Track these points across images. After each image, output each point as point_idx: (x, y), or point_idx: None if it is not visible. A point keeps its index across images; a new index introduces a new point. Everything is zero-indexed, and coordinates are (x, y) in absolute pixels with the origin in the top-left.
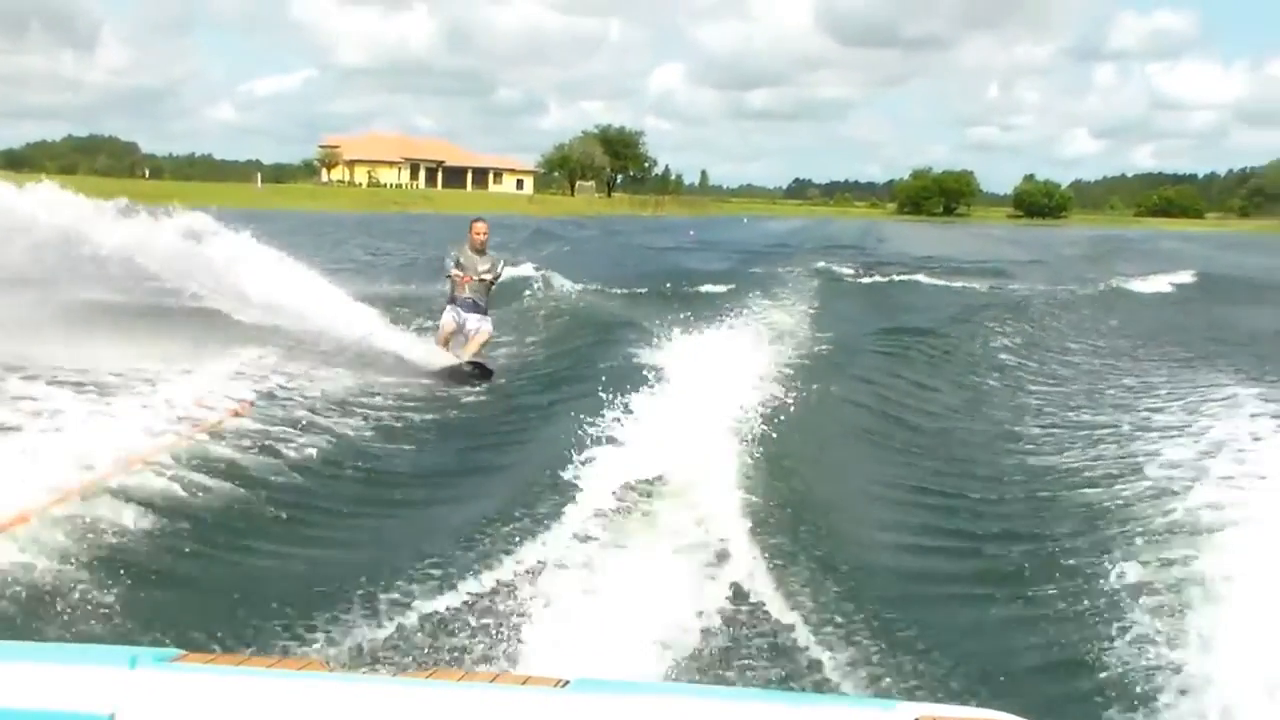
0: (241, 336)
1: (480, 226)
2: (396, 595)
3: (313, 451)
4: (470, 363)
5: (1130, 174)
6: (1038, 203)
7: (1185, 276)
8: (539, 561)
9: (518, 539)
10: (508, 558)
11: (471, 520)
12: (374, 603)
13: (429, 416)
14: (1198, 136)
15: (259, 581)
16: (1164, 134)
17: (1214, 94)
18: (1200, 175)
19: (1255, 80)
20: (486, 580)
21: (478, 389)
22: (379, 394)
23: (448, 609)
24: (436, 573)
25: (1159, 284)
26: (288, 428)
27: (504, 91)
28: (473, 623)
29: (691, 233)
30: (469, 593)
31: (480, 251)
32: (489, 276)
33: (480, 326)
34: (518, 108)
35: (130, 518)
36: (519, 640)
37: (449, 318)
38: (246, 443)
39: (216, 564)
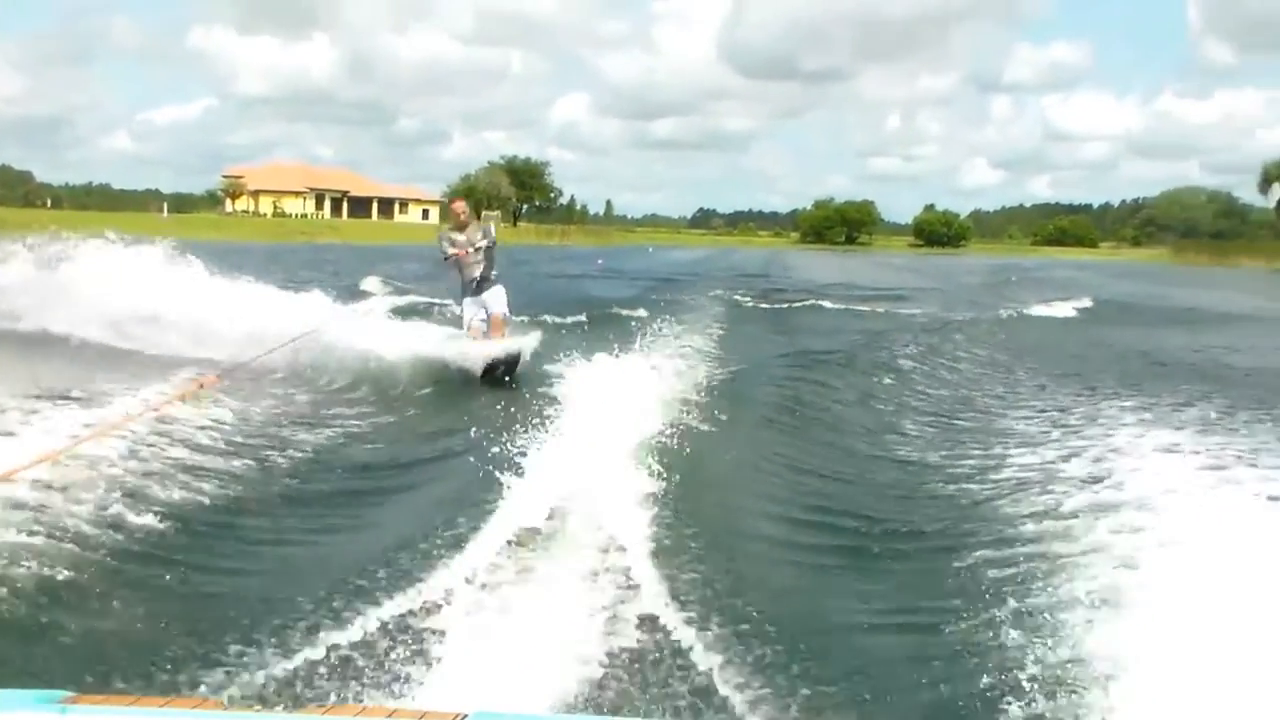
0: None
1: (459, 204)
2: (295, 629)
3: (207, 484)
4: (500, 361)
5: (1028, 204)
6: (937, 232)
7: (1081, 302)
8: (441, 593)
9: (419, 570)
10: (410, 589)
11: (372, 552)
12: (272, 637)
13: (329, 445)
14: (1092, 167)
15: (153, 617)
16: (1060, 165)
17: (1107, 126)
18: (1095, 205)
19: (1147, 113)
20: (387, 613)
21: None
22: (274, 423)
23: (348, 642)
24: (337, 605)
25: (1056, 309)
26: (182, 457)
27: (406, 121)
28: (373, 656)
29: (600, 261)
30: (370, 626)
31: (464, 226)
32: (484, 243)
33: (497, 308)
34: (420, 137)
35: (11, 549)
36: (419, 674)
37: (471, 312)
38: (137, 473)
39: (108, 599)
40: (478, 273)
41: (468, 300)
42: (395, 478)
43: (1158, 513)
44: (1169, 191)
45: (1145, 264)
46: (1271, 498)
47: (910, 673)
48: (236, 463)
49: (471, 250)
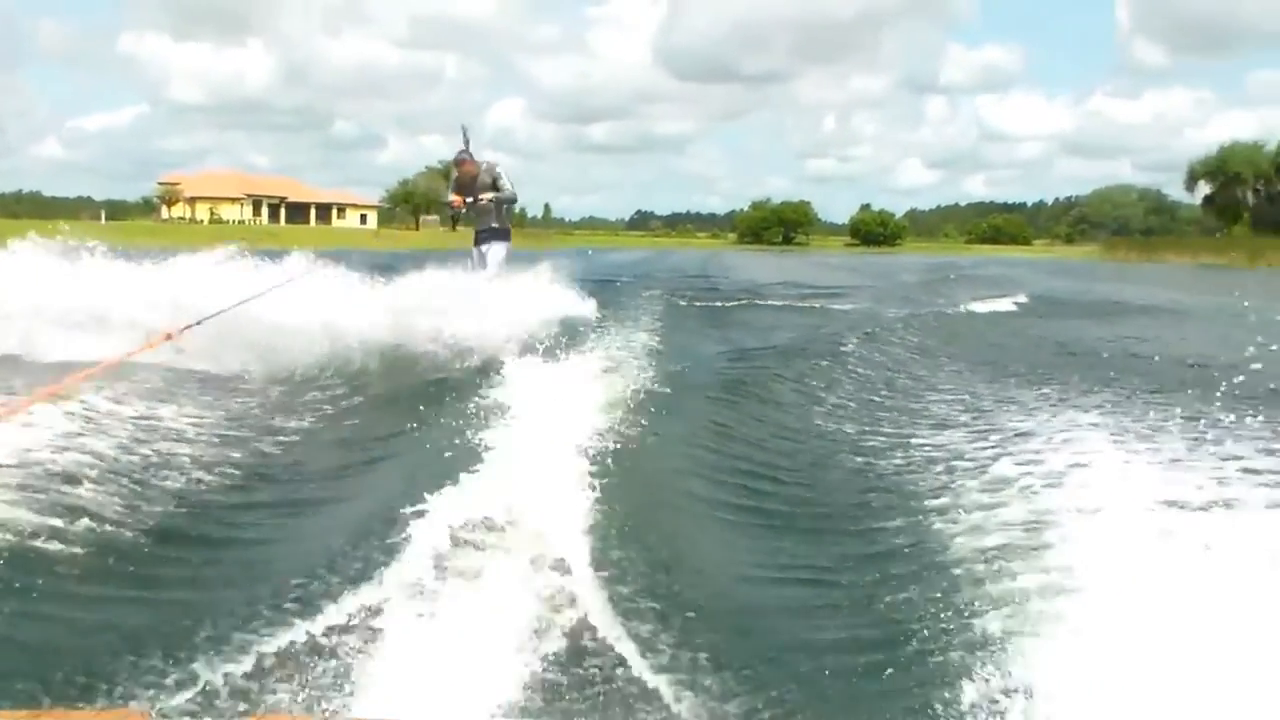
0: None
1: (467, 166)
2: (226, 638)
3: (136, 487)
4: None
5: (963, 203)
6: (873, 231)
7: (1017, 298)
8: (375, 601)
9: (354, 577)
10: (343, 598)
11: (304, 560)
12: (202, 647)
13: (260, 451)
14: (1026, 166)
15: (77, 629)
16: (994, 164)
17: (1040, 126)
18: (1029, 204)
19: (1079, 113)
20: (320, 621)
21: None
22: (204, 426)
23: (279, 651)
24: (268, 613)
25: (994, 305)
26: (98, 465)
27: (341, 126)
28: (305, 665)
29: (589, 251)
30: (302, 635)
31: (472, 178)
32: (488, 195)
33: (493, 251)
34: (355, 142)
35: None
36: (353, 682)
37: (473, 255)
38: (59, 483)
39: (30, 612)
40: (485, 229)
41: (476, 249)
42: (331, 489)
43: (1069, 489)
44: (1100, 190)
45: (1077, 260)
46: (1160, 464)
47: (849, 663)
48: (159, 464)
49: (466, 199)
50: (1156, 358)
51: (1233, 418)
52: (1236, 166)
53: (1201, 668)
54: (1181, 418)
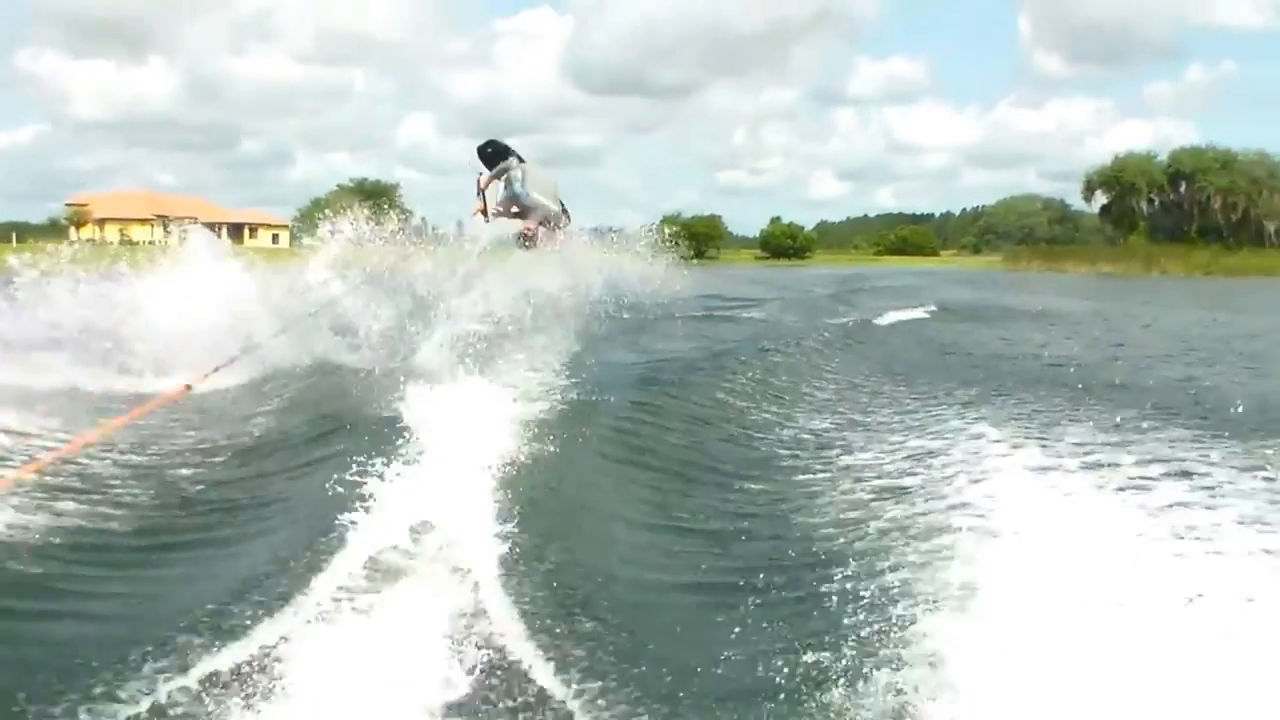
0: None
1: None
2: (137, 670)
3: (34, 518)
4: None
5: (872, 214)
6: (783, 244)
7: (926, 308)
8: (289, 626)
9: (265, 606)
10: (255, 626)
11: (214, 591)
12: (108, 681)
13: (165, 480)
14: (934, 177)
15: None
16: (903, 175)
17: (947, 137)
18: (937, 214)
19: (984, 124)
20: (233, 651)
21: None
22: (106, 458)
23: (196, 681)
24: (181, 640)
25: (900, 315)
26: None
27: (248, 144)
28: (219, 695)
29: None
30: (214, 665)
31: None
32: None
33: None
34: (264, 160)
35: None
36: (269, 708)
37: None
38: None
39: None
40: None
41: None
42: (239, 517)
43: (966, 493)
44: (1005, 200)
45: (980, 270)
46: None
47: (755, 666)
48: (64, 495)
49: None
50: (1050, 363)
51: (1119, 418)
52: (1131, 177)
53: (1089, 658)
54: (1074, 419)
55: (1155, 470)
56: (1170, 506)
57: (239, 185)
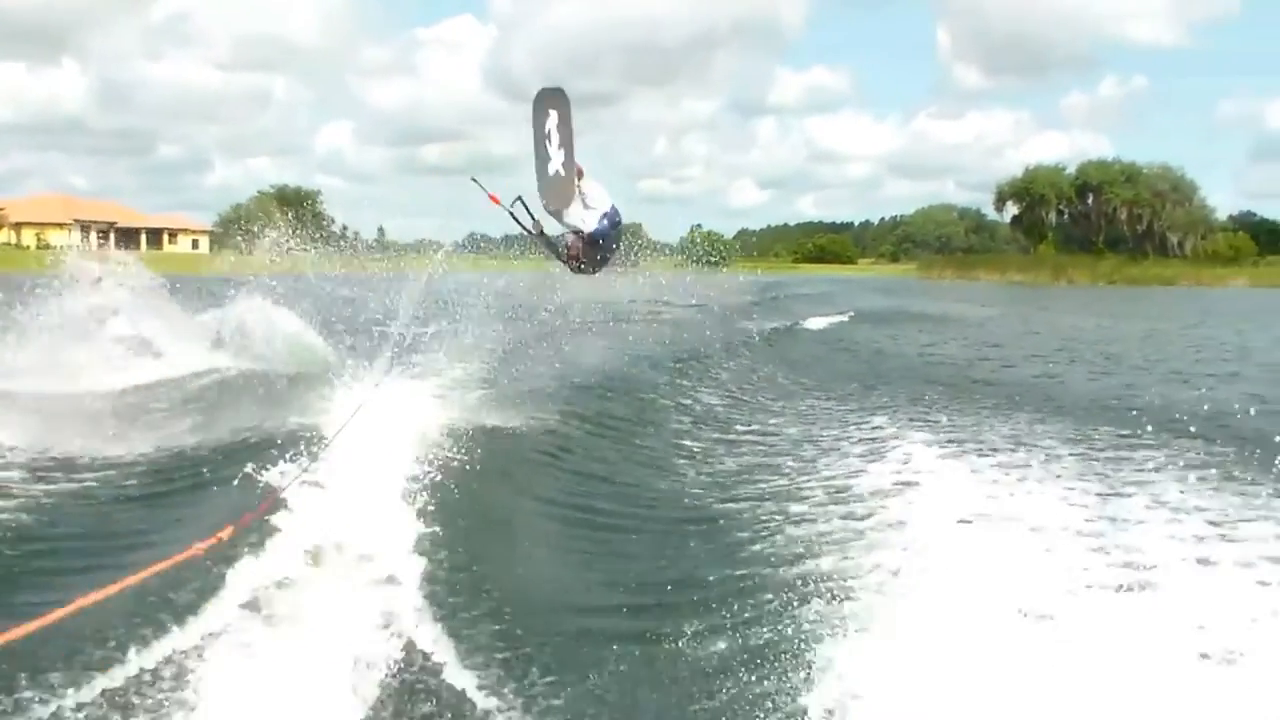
0: None
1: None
2: (54, 672)
3: None
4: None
5: (793, 223)
6: (702, 252)
7: (838, 316)
8: (204, 633)
9: (181, 610)
10: (169, 635)
11: (130, 599)
12: (35, 686)
13: (77, 490)
14: (855, 186)
15: None
16: (824, 184)
17: (868, 146)
18: (857, 223)
19: (905, 134)
20: (148, 659)
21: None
22: (13, 469)
23: (104, 692)
24: (86, 653)
25: (819, 322)
26: None
27: (166, 149)
28: (136, 703)
29: (380, 285)
30: (129, 675)
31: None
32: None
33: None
34: (181, 165)
35: None
36: (184, 713)
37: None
38: None
39: None
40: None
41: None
42: (152, 525)
43: (882, 497)
44: (923, 209)
45: (896, 278)
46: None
47: (674, 683)
48: None
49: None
50: (932, 361)
51: (977, 409)
52: (1040, 188)
53: (1007, 661)
54: (941, 409)
55: (987, 441)
56: (998, 482)
57: (157, 190)
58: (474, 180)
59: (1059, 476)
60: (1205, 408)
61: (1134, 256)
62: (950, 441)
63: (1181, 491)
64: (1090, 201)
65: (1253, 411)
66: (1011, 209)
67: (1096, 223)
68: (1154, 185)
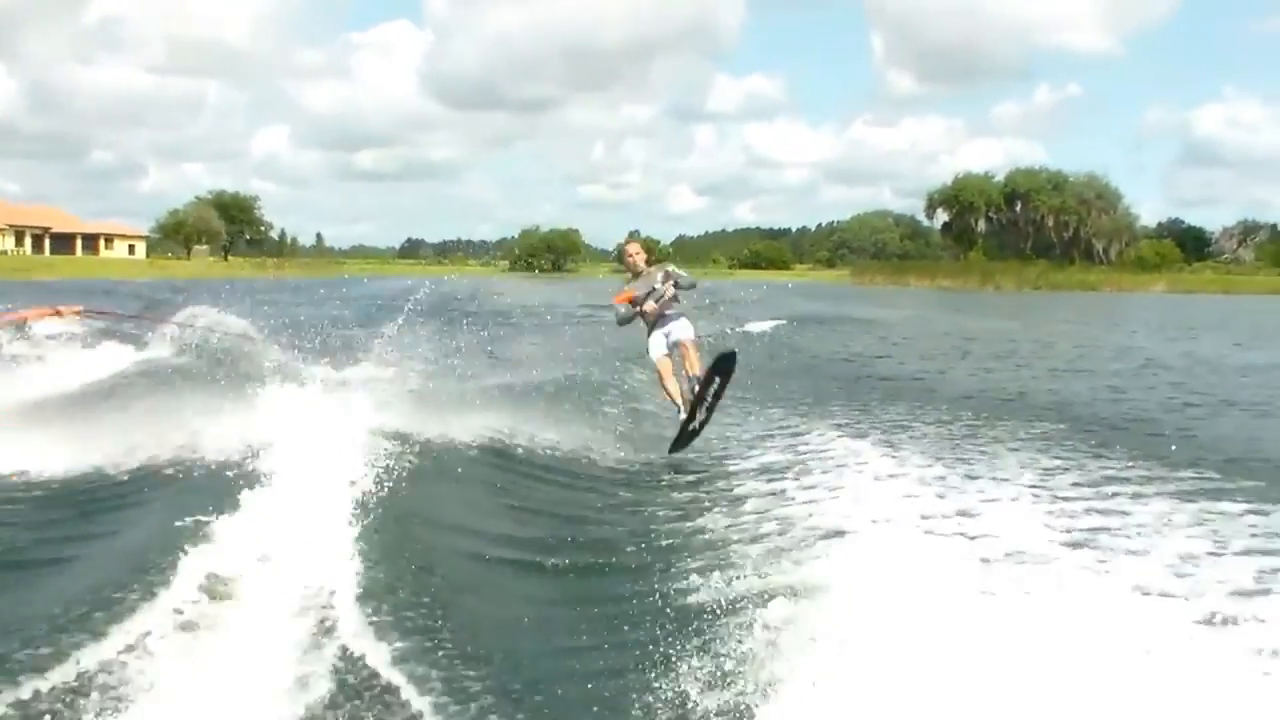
0: None
1: (632, 248)
2: None
3: None
4: (693, 409)
5: (730, 229)
6: None
7: (777, 320)
8: (131, 644)
9: (108, 620)
10: (95, 645)
11: (49, 611)
12: None
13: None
14: (792, 193)
15: None
16: (761, 190)
17: (805, 153)
18: (794, 229)
19: (841, 141)
20: (70, 672)
21: None
22: None
23: (15, 704)
24: (22, 659)
25: (756, 327)
26: None
27: (99, 154)
28: (58, 713)
29: (321, 290)
30: (61, 678)
31: (639, 274)
32: (671, 290)
33: (686, 334)
34: (115, 171)
35: None
36: None
37: (657, 346)
38: None
39: None
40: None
41: (654, 334)
42: (76, 533)
43: (814, 508)
44: (859, 216)
45: (829, 284)
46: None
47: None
48: None
49: (656, 303)
50: (845, 358)
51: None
52: (969, 196)
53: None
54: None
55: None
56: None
57: (90, 196)
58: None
59: (923, 454)
60: (1056, 398)
61: (1061, 263)
62: (845, 425)
63: (1021, 465)
64: (1019, 209)
65: (1102, 400)
66: (942, 216)
67: (1025, 230)
68: (1080, 193)
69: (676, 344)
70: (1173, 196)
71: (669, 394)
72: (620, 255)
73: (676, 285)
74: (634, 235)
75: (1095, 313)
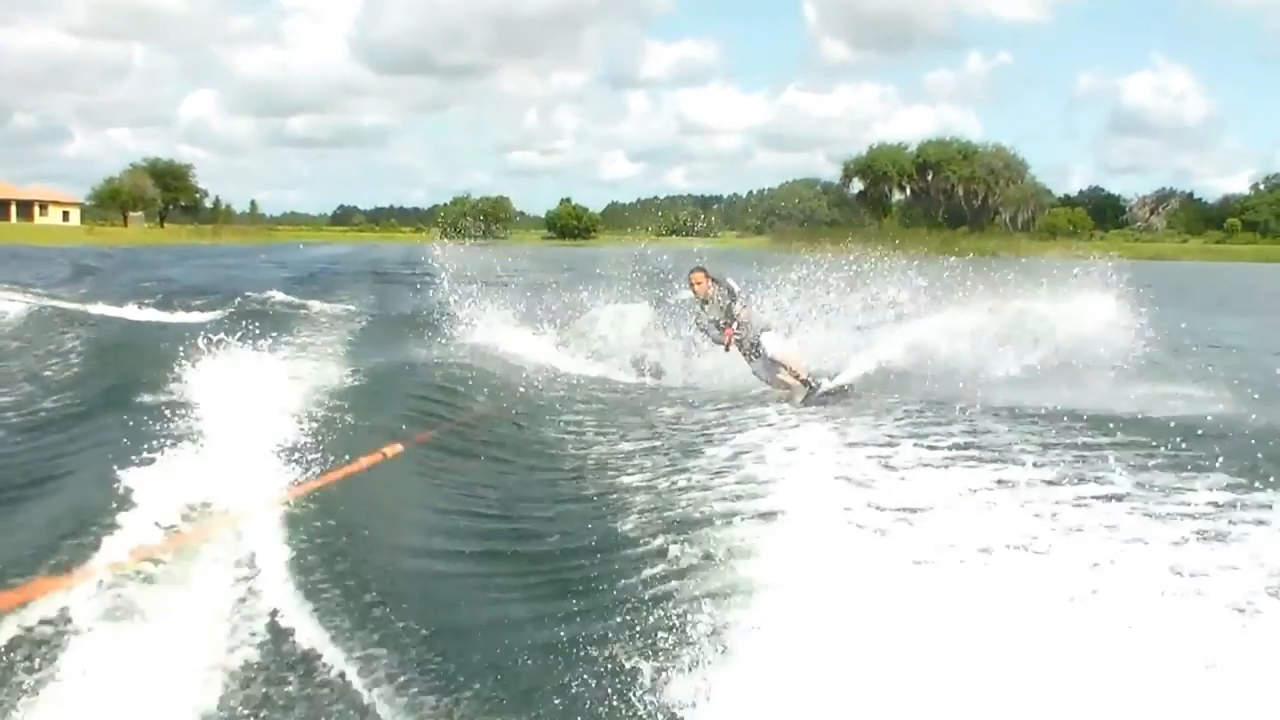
0: None
1: (696, 277)
2: None
3: None
4: (813, 383)
5: (663, 195)
6: (569, 225)
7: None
8: (59, 612)
9: (33, 596)
10: (26, 609)
11: None
12: None
13: None
14: (725, 159)
15: None
16: (694, 157)
17: (738, 119)
18: (726, 195)
19: (774, 107)
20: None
21: None
22: None
23: None
24: None
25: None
26: None
27: (21, 118)
28: None
29: (263, 256)
30: None
31: (707, 300)
32: (745, 315)
33: (778, 347)
34: (38, 135)
35: None
36: (38, 699)
37: (764, 374)
38: None
39: None
40: (747, 336)
41: (754, 364)
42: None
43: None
44: (787, 183)
45: (749, 250)
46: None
47: (561, 684)
48: None
49: (735, 329)
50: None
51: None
52: (882, 165)
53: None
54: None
55: None
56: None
57: (12, 162)
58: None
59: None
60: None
61: (970, 232)
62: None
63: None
64: (930, 178)
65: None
66: (858, 185)
67: (936, 198)
68: (989, 163)
69: (770, 359)
70: (1101, 164)
71: (789, 381)
72: (689, 282)
73: (734, 299)
74: (699, 266)
75: (978, 277)
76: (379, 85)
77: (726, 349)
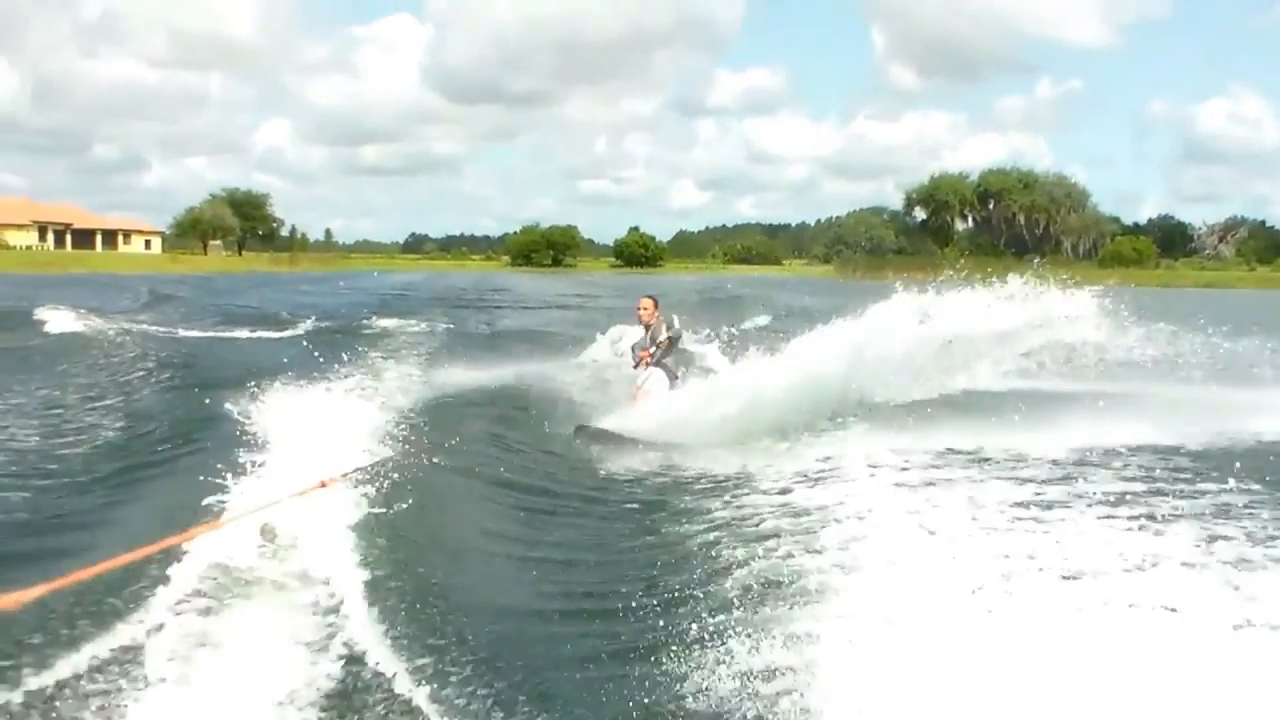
0: None
1: (645, 303)
2: None
3: None
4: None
5: (731, 224)
6: (636, 253)
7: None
8: (142, 634)
9: (118, 611)
10: (107, 631)
11: (63, 599)
12: None
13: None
14: (793, 188)
15: None
16: (764, 185)
17: (807, 148)
18: (794, 224)
19: (843, 135)
20: (82, 661)
21: None
22: None
23: (41, 689)
24: (28, 658)
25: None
26: None
27: (100, 148)
28: (72, 707)
29: (341, 284)
30: (65, 675)
31: (649, 326)
32: (665, 336)
33: (655, 390)
34: (117, 165)
35: None
36: (123, 715)
37: (638, 380)
38: None
39: None
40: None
41: (640, 376)
42: (87, 522)
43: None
44: (855, 212)
45: (815, 279)
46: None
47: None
48: None
49: (653, 350)
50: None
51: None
52: (944, 194)
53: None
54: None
55: None
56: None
57: (92, 191)
58: None
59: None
60: None
61: (1031, 260)
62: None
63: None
64: (992, 207)
65: None
66: (920, 214)
67: (998, 227)
68: (1050, 192)
69: (640, 387)
70: (1173, 192)
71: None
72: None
73: (671, 341)
74: (651, 295)
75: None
76: (450, 113)
77: (635, 367)
